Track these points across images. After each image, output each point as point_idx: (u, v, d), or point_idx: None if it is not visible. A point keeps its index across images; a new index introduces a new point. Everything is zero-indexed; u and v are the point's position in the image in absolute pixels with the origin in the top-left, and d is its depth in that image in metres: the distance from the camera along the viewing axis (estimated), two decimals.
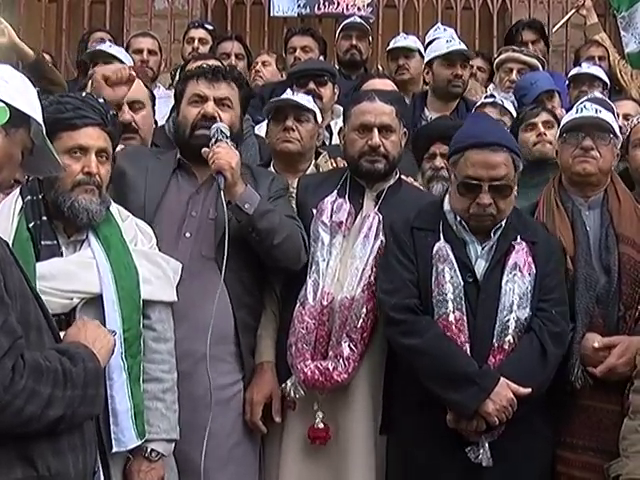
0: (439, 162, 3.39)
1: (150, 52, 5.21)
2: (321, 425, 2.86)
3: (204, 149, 2.80)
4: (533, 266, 2.77)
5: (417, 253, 2.81)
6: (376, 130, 3.02)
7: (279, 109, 3.38)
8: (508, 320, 2.71)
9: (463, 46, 4.62)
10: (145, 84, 3.38)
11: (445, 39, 4.65)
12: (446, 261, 2.75)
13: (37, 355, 1.83)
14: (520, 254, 2.78)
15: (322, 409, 2.86)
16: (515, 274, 2.75)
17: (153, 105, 3.40)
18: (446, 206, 2.87)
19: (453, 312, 2.71)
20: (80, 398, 1.87)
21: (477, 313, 2.74)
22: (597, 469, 2.77)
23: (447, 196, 2.90)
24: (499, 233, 2.81)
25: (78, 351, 1.95)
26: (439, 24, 5.57)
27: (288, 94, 3.44)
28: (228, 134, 2.84)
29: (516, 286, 2.74)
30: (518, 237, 2.81)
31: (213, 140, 2.81)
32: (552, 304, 2.77)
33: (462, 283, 2.73)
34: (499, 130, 2.99)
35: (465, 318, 2.71)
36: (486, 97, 4.19)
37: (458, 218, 2.82)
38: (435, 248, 2.78)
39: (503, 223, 2.82)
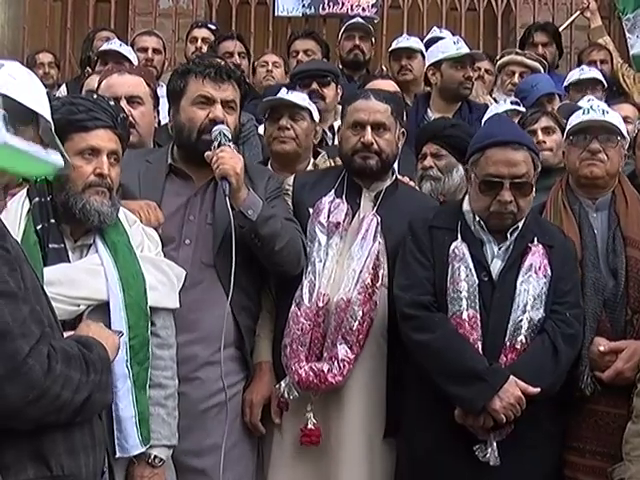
0: (428, 162, 3.38)
1: (155, 51, 5.22)
2: (311, 427, 2.84)
3: (207, 153, 2.77)
4: (548, 269, 2.78)
5: (434, 252, 2.82)
6: (369, 127, 3.01)
7: (274, 108, 3.39)
8: (521, 320, 2.72)
9: (468, 48, 4.59)
10: (148, 83, 3.36)
11: (452, 40, 4.63)
12: (462, 260, 2.77)
13: (62, 342, 1.87)
14: (536, 256, 2.79)
15: (315, 411, 2.85)
16: (530, 275, 2.76)
17: (157, 105, 3.39)
18: (465, 207, 2.89)
19: (467, 310, 2.72)
20: (98, 384, 1.90)
21: (491, 312, 2.75)
22: (603, 473, 2.76)
23: (466, 197, 2.92)
24: (516, 234, 2.82)
25: (89, 340, 1.99)
26: (435, 28, 5.58)
27: (282, 93, 3.43)
28: (230, 137, 2.82)
29: (531, 287, 2.75)
30: (535, 239, 2.82)
31: (216, 144, 2.78)
32: (567, 307, 2.77)
33: (477, 282, 2.74)
34: (518, 130, 3.04)
35: (478, 316, 2.73)
36: (512, 103, 4.15)
37: (477, 218, 2.83)
38: (452, 247, 2.80)
39: (520, 224, 2.83)
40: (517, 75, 4.83)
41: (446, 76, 4.45)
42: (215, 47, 5.20)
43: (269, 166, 3.43)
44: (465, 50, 4.49)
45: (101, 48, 4.78)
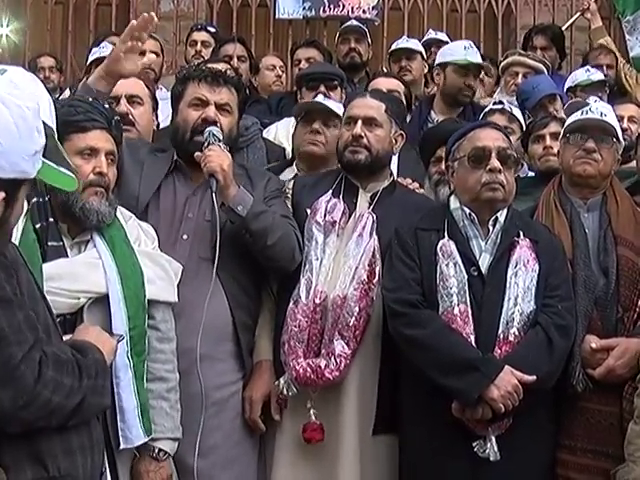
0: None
1: (152, 53, 5.21)
2: (313, 419, 2.86)
3: (197, 153, 2.83)
4: (536, 263, 2.81)
5: (420, 253, 2.85)
6: (360, 122, 3.06)
7: (308, 112, 3.42)
8: (513, 312, 2.74)
9: (479, 57, 4.58)
10: (147, 85, 3.41)
11: (463, 45, 4.59)
12: (450, 256, 2.80)
13: (54, 348, 1.88)
14: (524, 249, 2.82)
15: (315, 407, 2.87)
16: (519, 268, 2.79)
17: (155, 107, 3.42)
18: (453, 205, 2.93)
19: (458, 305, 2.74)
20: (92, 388, 1.92)
21: (482, 306, 2.77)
22: (595, 471, 2.78)
23: (452, 197, 2.96)
24: (499, 226, 2.86)
25: (85, 344, 2.00)
26: (431, 30, 5.59)
27: (319, 98, 3.48)
28: (220, 137, 2.87)
29: (520, 280, 2.78)
30: (521, 234, 2.86)
31: (206, 144, 2.84)
32: (558, 300, 2.80)
33: (466, 277, 2.77)
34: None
35: (470, 310, 2.75)
36: (494, 103, 4.12)
37: (467, 210, 2.87)
38: (439, 245, 2.83)
39: (502, 219, 2.87)
40: (520, 76, 4.78)
41: (448, 80, 4.45)
42: (217, 51, 5.21)
43: (294, 167, 3.46)
44: (472, 59, 4.46)
45: (94, 55, 4.76)
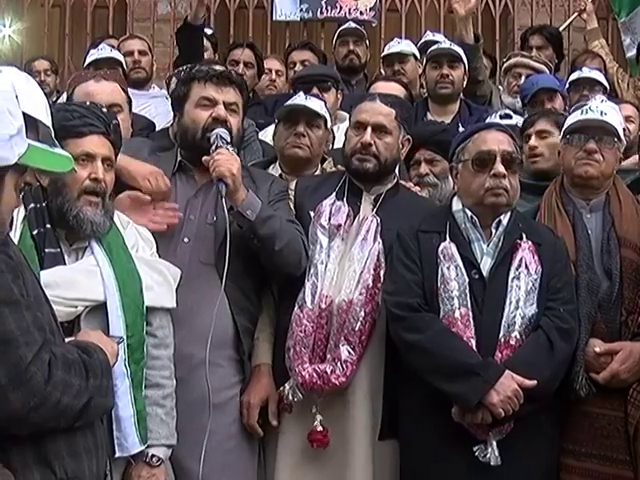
0: (424, 169, 3.41)
1: (140, 53, 5.16)
2: (320, 428, 2.85)
3: (204, 157, 2.80)
4: (539, 265, 2.80)
5: (422, 255, 2.84)
6: (369, 128, 3.04)
7: (291, 113, 3.35)
8: (514, 316, 2.73)
9: (449, 45, 4.55)
10: (123, 88, 3.38)
11: (440, 42, 4.68)
12: (451, 259, 2.79)
13: (61, 349, 1.88)
14: (526, 252, 2.81)
15: (320, 412, 2.86)
16: (521, 271, 2.78)
17: (130, 109, 3.41)
18: (455, 207, 2.91)
19: (459, 308, 2.74)
20: (98, 388, 1.92)
21: (483, 309, 2.76)
22: (600, 476, 2.77)
23: (455, 198, 2.95)
24: (502, 229, 2.85)
25: (89, 345, 2.00)
26: (429, 32, 5.58)
27: (301, 98, 3.40)
28: (228, 139, 2.84)
29: (522, 283, 2.77)
30: (524, 236, 2.85)
31: (213, 147, 2.81)
32: (560, 303, 2.79)
33: (467, 280, 2.76)
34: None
35: (471, 314, 2.74)
36: (502, 117, 3.92)
37: (469, 213, 2.85)
38: (440, 248, 2.82)
39: (505, 222, 2.86)
40: (523, 77, 4.74)
41: (427, 77, 4.50)
42: (226, 54, 5.17)
43: (277, 166, 3.42)
44: (438, 47, 4.49)
45: (91, 57, 4.75)
